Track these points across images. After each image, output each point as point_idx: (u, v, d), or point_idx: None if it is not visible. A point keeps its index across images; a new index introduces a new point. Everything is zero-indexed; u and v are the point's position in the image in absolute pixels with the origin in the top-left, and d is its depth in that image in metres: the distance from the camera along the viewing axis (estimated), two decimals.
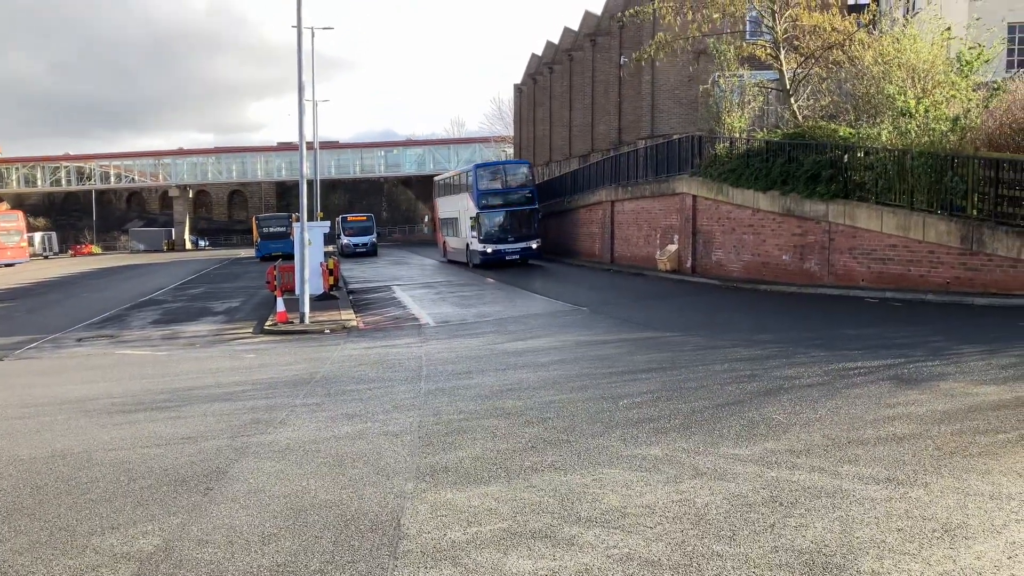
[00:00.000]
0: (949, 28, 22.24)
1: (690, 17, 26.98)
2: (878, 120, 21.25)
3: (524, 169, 39.19)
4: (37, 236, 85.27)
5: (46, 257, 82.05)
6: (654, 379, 10.90)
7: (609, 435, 8.16)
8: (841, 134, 21.46)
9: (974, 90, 19.93)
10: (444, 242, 45.12)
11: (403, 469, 7.48)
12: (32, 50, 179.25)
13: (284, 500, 6.85)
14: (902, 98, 20.14)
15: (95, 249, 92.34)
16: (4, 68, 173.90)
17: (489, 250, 35.63)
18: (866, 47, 23.30)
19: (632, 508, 6.09)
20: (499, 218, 36.11)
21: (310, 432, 9.23)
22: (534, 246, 36.22)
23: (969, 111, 18.96)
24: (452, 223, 42.00)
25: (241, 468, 7.89)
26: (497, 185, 36.85)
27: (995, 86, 19.60)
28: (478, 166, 38.33)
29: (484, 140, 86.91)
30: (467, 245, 37.91)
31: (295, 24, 21.63)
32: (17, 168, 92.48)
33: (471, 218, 36.56)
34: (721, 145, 25.76)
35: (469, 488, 6.80)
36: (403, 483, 7.06)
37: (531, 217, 36.43)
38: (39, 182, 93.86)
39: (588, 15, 51.79)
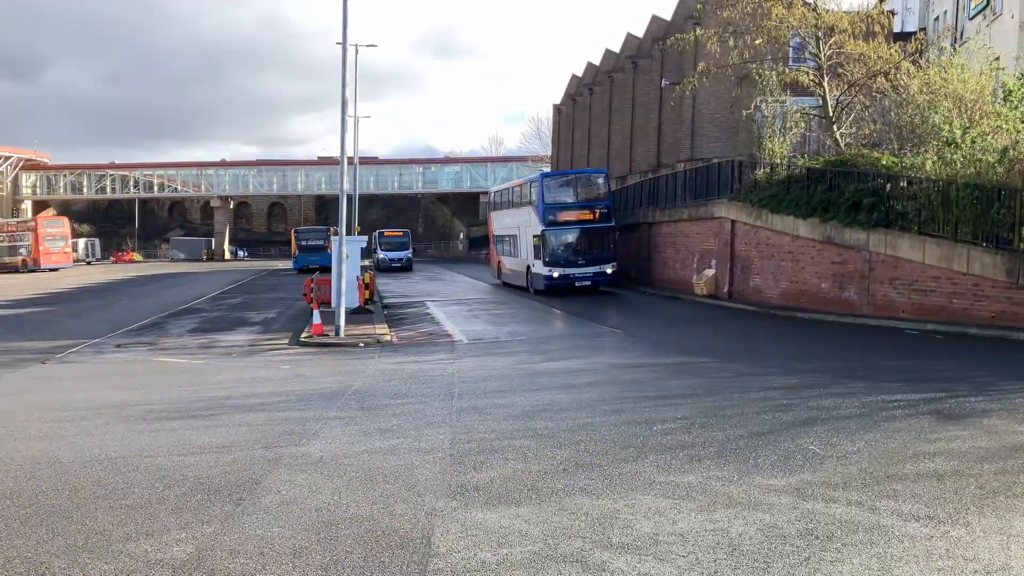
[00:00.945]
0: (998, 58, 21.94)
1: (732, 44, 26.96)
2: (922, 150, 21.01)
3: (601, 180, 33.38)
4: (81, 242, 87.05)
5: (89, 263, 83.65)
6: (688, 405, 10.80)
7: (642, 460, 8.08)
8: (884, 163, 21.24)
9: (1022, 121, 19.61)
10: (499, 262, 39.44)
11: (434, 486, 7.47)
12: (84, 61, 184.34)
13: (315, 513, 6.87)
14: (948, 128, 19.89)
15: (136, 256, 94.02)
16: (56, 78, 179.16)
17: (555, 274, 30.82)
18: (912, 76, 23.09)
19: (664, 535, 6.02)
20: (569, 237, 31.20)
21: (342, 445, 9.27)
22: (608, 270, 31.32)
23: (1017, 142, 18.65)
24: (510, 241, 36.59)
25: (274, 479, 7.93)
26: (567, 198, 32.00)
27: None
28: (545, 175, 33.83)
29: (522, 159, 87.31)
30: (528, 267, 33.32)
31: (340, 41, 21.97)
32: (64, 175, 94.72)
33: (534, 236, 31.84)
34: (761, 171, 25.61)
35: (500, 508, 6.77)
36: (434, 500, 7.05)
37: (607, 236, 31.54)
38: (85, 189, 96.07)
39: (630, 37, 51.87)
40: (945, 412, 9.65)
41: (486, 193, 59.43)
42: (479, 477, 7.72)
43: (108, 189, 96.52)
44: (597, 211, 31.48)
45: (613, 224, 31.72)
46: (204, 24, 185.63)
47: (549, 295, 30.54)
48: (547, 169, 64.55)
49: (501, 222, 39.13)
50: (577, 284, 30.98)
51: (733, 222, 26.32)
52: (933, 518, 6.16)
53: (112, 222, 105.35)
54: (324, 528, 6.49)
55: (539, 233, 31.18)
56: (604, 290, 31.96)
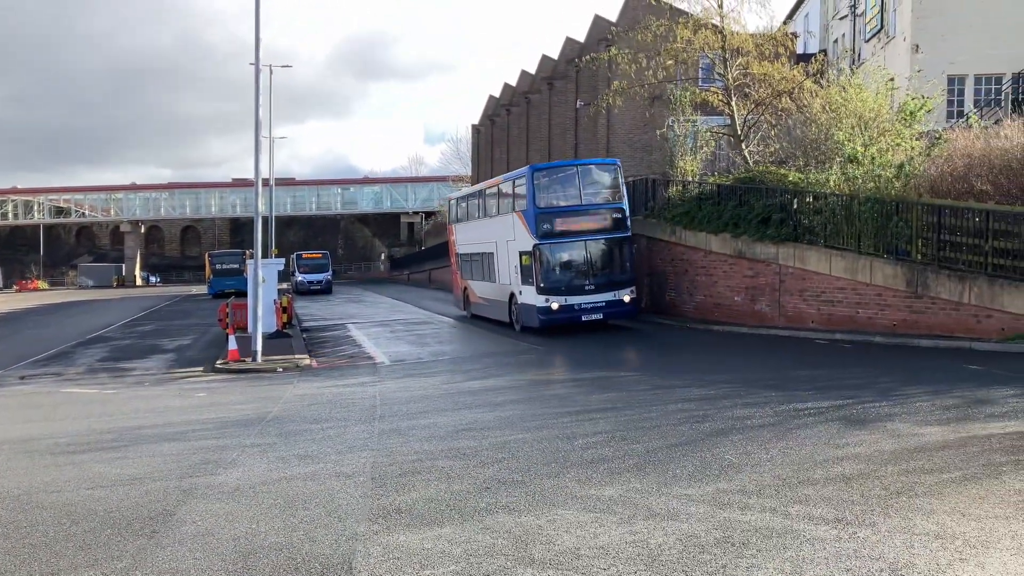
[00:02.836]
0: (892, 79, 23.05)
1: (644, 64, 27.64)
2: (827, 166, 21.84)
3: (611, 173, 24.27)
4: None
5: None
6: (609, 419, 10.94)
7: (564, 475, 8.15)
8: (790, 179, 21.99)
9: (917, 139, 20.62)
10: (466, 289, 30.15)
11: (355, 511, 7.39)
12: None
13: (233, 543, 6.71)
14: (850, 145, 20.74)
15: (42, 285, 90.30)
16: None
17: (554, 305, 22.64)
18: (814, 95, 24.01)
19: (586, 549, 6.08)
20: (572, 253, 23.20)
21: (261, 473, 9.07)
22: (626, 298, 23.14)
23: (912, 159, 19.60)
24: (482, 261, 27.68)
25: (189, 510, 7.71)
26: (568, 199, 23.59)
27: (936, 135, 20.30)
28: (536, 168, 24.30)
29: (442, 179, 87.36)
30: (511, 296, 24.98)
31: (252, 62, 21.68)
32: None
33: (522, 253, 23.58)
34: (674, 188, 26.21)
35: (422, 530, 6.74)
36: (355, 525, 6.97)
37: (622, 250, 23.42)
38: None
39: (545, 59, 52.61)
40: (852, 418, 10.02)
41: (427, 213, 55.88)
42: (401, 499, 7.67)
43: (10, 215, 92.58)
44: (609, 216, 23.33)
45: (630, 234, 23.81)
46: (117, 43, 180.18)
47: (546, 333, 22.91)
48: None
49: (467, 236, 29.93)
50: (584, 319, 22.82)
51: (648, 239, 26.86)
52: (841, 520, 6.39)
53: (15, 249, 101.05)
54: (242, 558, 6.35)
55: (530, 248, 22.90)
56: (615, 324, 24.32)
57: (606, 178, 24.09)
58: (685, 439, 9.43)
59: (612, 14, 41.61)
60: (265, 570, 6.06)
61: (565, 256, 23.10)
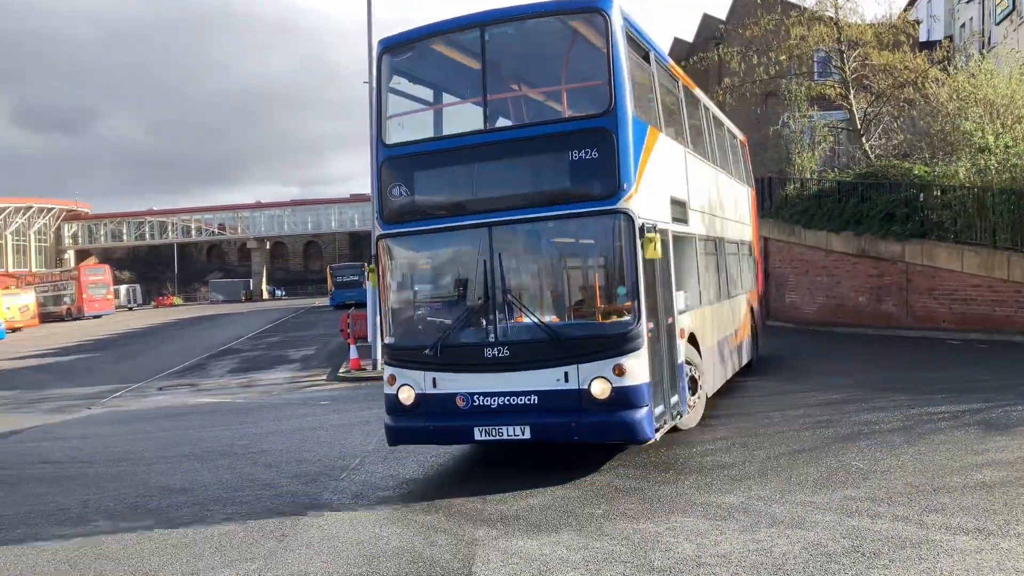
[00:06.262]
0: None
1: (755, 61, 26.98)
2: (955, 157, 20.77)
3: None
4: (123, 288, 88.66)
5: (130, 309, 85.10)
6: (727, 425, 10.70)
7: (682, 482, 8.02)
8: (916, 172, 21.02)
9: None
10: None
11: (474, 516, 7.47)
12: (127, 111, 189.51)
13: (357, 547, 6.90)
14: (980, 135, 19.66)
15: (177, 300, 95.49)
16: (107, 129, 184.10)
17: (405, 398, 8.73)
18: (940, 84, 22.89)
19: (707, 557, 5.96)
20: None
21: (381, 478, 9.30)
22: (599, 390, 7.96)
23: None
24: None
25: (315, 514, 7.98)
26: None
27: None
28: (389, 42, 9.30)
29: None
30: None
31: (367, 80, 22.35)
32: (105, 224, 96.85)
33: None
34: (792, 186, 25.48)
35: (540, 536, 6.75)
36: (474, 530, 7.05)
37: (617, 258, 8.30)
38: (124, 237, 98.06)
39: None
40: (991, 422, 9.46)
41: None
42: (518, 505, 7.69)
43: (147, 235, 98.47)
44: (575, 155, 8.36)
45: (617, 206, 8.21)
46: (245, 69, 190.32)
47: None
48: None
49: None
50: (508, 435, 8.26)
51: (766, 239, 26.14)
52: (982, 530, 6.04)
53: (152, 267, 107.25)
54: (366, 562, 6.52)
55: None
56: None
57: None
58: (809, 445, 9.11)
59: (721, 12, 40.83)
60: (389, 574, 6.20)
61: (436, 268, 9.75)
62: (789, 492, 7.37)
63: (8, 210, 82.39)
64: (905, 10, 36.29)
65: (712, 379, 11.48)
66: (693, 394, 10.01)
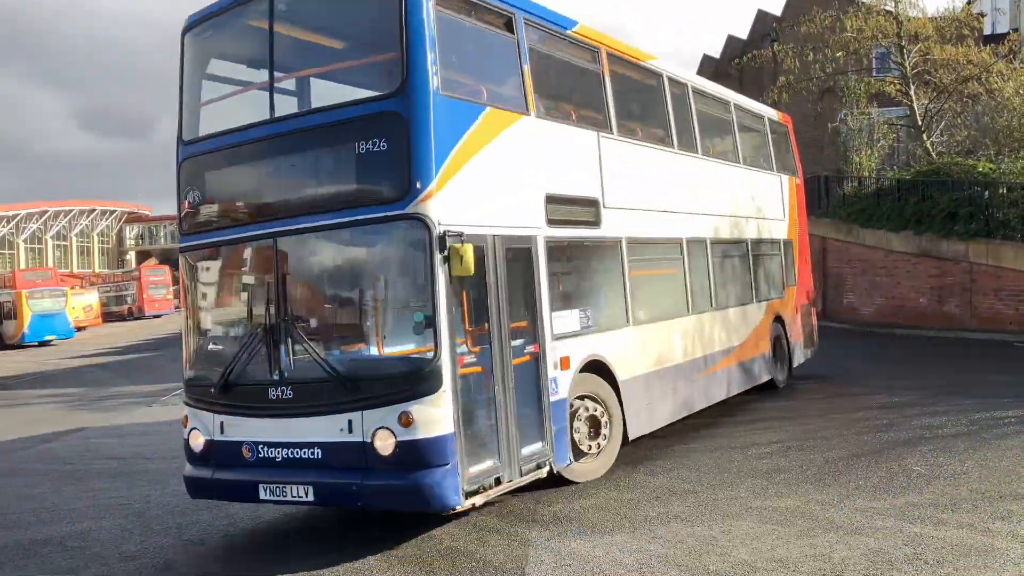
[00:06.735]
0: None
1: (810, 58, 26.50)
2: (1021, 154, 20.15)
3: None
4: None
5: None
6: (783, 428, 10.53)
7: (738, 486, 7.91)
8: (980, 170, 20.45)
9: None
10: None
11: (526, 516, 7.47)
12: None
13: (412, 546, 6.96)
14: None
15: None
16: (167, 132, 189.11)
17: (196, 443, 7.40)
18: (1006, 78, 22.23)
19: (763, 562, 5.86)
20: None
21: None
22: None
23: None
24: None
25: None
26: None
27: None
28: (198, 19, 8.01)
29: None
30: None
31: None
32: (165, 225, 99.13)
33: None
34: (850, 185, 25.02)
35: (593, 537, 6.72)
36: (526, 531, 7.05)
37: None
38: None
39: (707, 59, 51.50)
40: None
41: None
42: (571, 506, 7.67)
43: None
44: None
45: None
46: None
47: None
48: None
49: None
50: (292, 495, 6.74)
51: (823, 239, 25.67)
52: None
53: None
54: (419, 561, 6.56)
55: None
56: None
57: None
58: (868, 449, 8.92)
59: (776, 7, 40.17)
60: (442, 573, 6.24)
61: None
62: (848, 497, 7.22)
63: (73, 212, 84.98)
64: (969, 3, 35.33)
65: (649, 415, 9.48)
66: (595, 437, 8.35)
